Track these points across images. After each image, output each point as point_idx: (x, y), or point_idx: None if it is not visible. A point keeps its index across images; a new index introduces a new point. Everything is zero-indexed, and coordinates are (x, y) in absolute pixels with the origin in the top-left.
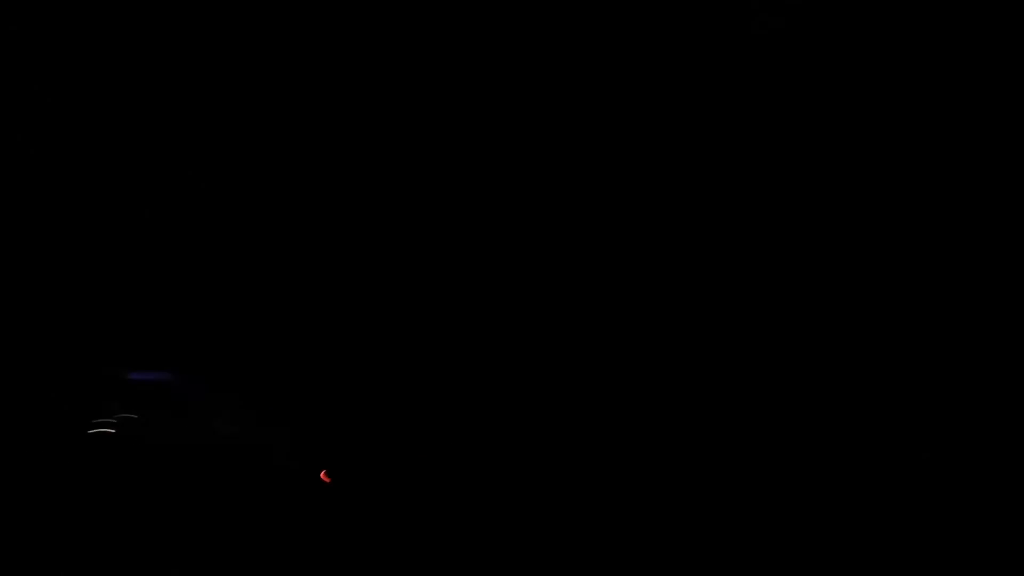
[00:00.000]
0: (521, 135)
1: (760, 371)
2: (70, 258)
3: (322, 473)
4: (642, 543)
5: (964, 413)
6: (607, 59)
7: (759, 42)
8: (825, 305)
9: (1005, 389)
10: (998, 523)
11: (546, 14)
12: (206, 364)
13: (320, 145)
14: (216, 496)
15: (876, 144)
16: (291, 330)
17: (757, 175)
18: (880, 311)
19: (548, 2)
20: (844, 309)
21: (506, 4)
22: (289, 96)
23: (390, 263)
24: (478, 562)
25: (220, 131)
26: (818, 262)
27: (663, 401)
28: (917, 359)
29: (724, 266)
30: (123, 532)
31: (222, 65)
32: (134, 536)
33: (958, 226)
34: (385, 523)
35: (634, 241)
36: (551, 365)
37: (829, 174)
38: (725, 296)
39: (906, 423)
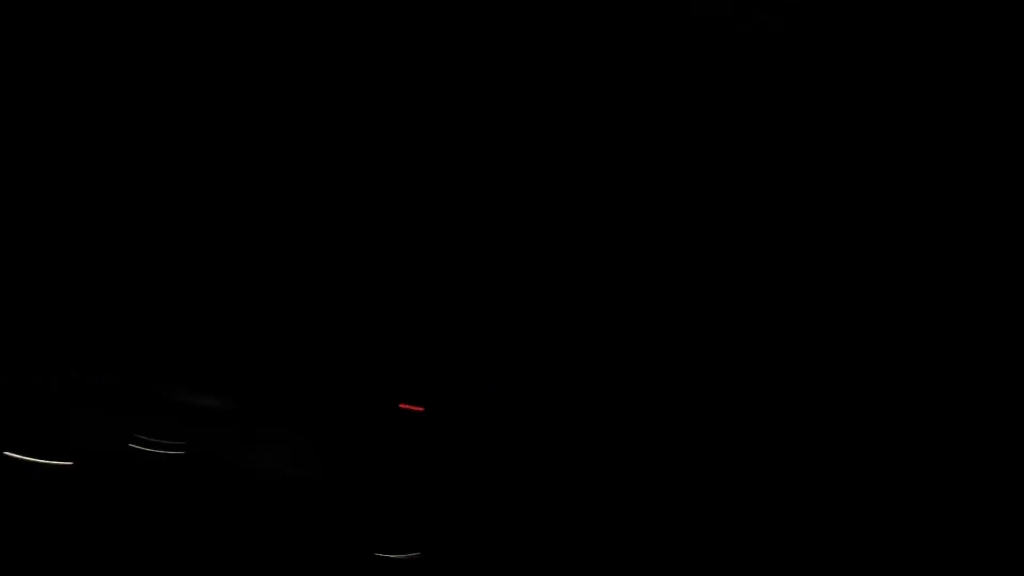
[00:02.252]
0: (517, 134)
1: (762, 371)
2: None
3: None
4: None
5: (965, 413)
6: (605, 59)
7: (752, 42)
8: (819, 304)
9: (1005, 390)
10: (998, 523)
11: (545, 15)
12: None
13: (322, 145)
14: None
15: (868, 142)
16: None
17: (752, 173)
18: (876, 311)
19: (547, 4)
20: (839, 308)
21: (504, 6)
22: (288, 96)
23: (406, 265)
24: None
25: (222, 131)
26: (815, 260)
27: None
28: (917, 359)
29: (720, 264)
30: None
31: (221, 66)
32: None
33: (955, 225)
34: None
35: (628, 237)
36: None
37: (822, 172)
38: (717, 294)
39: (906, 423)
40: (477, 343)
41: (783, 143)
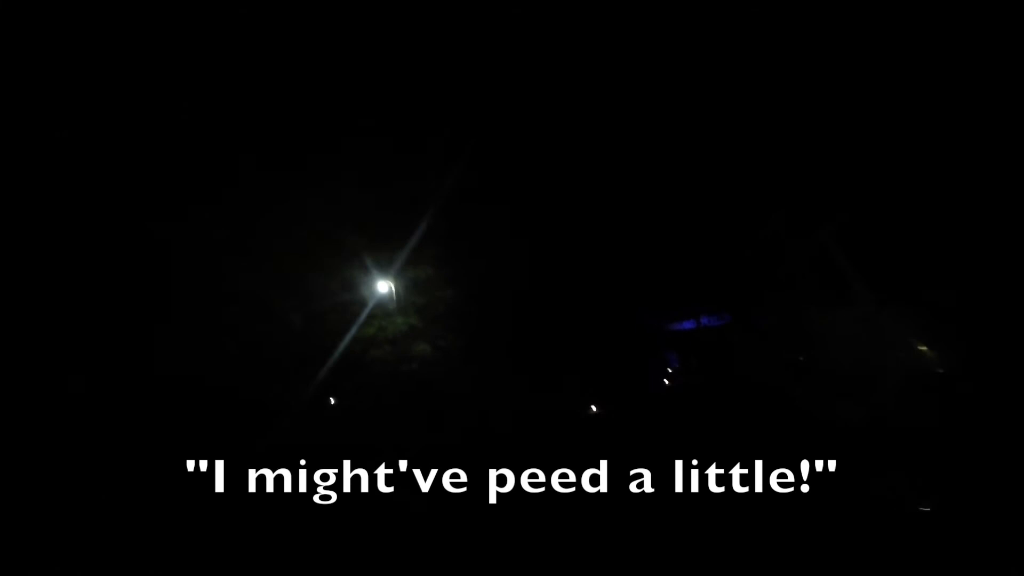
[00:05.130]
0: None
1: None
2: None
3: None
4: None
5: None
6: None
7: (752, 43)
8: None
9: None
10: (999, 524)
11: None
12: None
13: None
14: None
15: (867, 141)
16: None
17: (750, 171)
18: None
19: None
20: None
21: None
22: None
23: None
24: None
25: None
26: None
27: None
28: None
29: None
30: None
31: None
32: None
33: (956, 225)
34: None
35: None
36: None
37: (820, 170)
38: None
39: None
40: None
41: (782, 141)
